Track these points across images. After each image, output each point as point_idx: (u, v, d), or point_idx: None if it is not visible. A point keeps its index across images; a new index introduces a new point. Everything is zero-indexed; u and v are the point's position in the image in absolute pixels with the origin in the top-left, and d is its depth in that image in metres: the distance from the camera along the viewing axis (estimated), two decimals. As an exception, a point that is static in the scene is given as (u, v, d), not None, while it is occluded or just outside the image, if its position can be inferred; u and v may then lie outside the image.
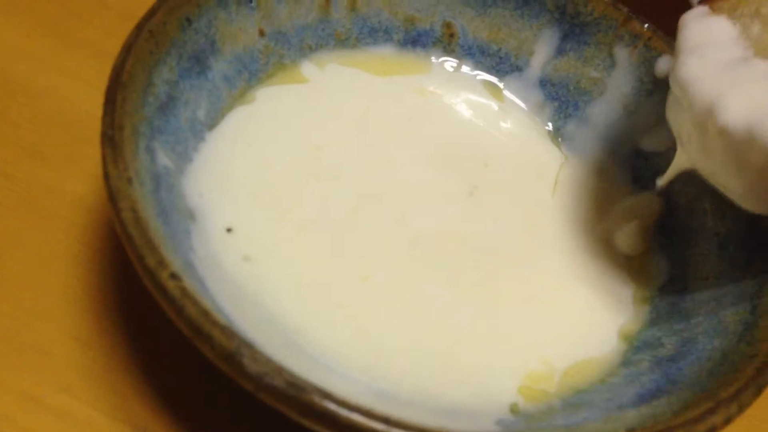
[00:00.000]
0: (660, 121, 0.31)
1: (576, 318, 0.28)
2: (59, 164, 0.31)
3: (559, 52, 0.33)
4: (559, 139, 0.33)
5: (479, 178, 0.31)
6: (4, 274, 0.28)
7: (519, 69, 0.33)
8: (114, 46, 0.37)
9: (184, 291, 0.21)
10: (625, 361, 0.26)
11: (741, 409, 0.22)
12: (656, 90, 0.31)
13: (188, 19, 0.28)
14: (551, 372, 0.26)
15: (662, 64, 0.31)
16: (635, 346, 0.27)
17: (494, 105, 0.33)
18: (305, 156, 0.29)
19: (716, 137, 0.23)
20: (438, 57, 0.33)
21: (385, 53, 0.33)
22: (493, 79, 0.34)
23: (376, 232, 0.28)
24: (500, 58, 0.33)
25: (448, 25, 0.33)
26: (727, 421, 0.21)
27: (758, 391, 0.22)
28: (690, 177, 0.30)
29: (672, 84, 0.25)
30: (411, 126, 0.32)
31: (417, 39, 0.33)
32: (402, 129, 0.32)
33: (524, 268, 0.29)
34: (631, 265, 0.30)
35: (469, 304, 0.27)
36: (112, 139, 0.23)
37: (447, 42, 0.33)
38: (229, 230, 0.27)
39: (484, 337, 0.26)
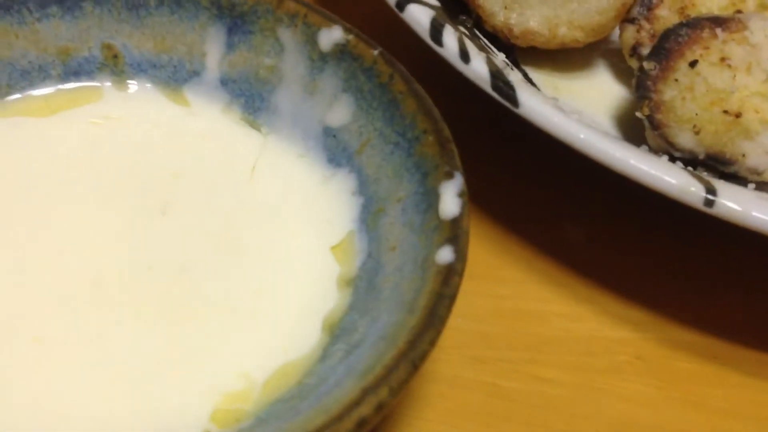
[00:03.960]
0: (338, 94, 0.30)
1: (280, 318, 0.27)
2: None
3: (230, 47, 0.31)
4: (259, 125, 0.32)
5: (170, 192, 0.30)
6: None
7: (197, 73, 0.32)
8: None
9: None
10: (324, 356, 0.25)
11: (394, 391, 0.21)
12: (326, 65, 0.30)
13: None
14: (250, 387, 0.25)
15: (324, 38, 0.30)
16: (336, 335, 0.26)
17: (181, 112, 0.32)
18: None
19: None
20: (107, 81, 0.32)
21: (47, 92, 0.31)
22: (175, 87, 0.32)
23: (56, 284, 0.27)
24: (174, 66, 0.32)
25: (108, 47, 0.31)
26: (380, 408, 0.20)
27: (413, 368, 0.21)
28: (374, 148, 0.29)
29: None
30: (90, 158, 0.30)
31: (79, 69, 0.31)
32: (80, 164, 0.30)
33: (220, 279, 0.27)
34: (336, 247, 0.29)
35: (157, 336, 0.26)
36: None
37: (113, 64, 0.31)
38: None
39: (172, 369, 0.25)
